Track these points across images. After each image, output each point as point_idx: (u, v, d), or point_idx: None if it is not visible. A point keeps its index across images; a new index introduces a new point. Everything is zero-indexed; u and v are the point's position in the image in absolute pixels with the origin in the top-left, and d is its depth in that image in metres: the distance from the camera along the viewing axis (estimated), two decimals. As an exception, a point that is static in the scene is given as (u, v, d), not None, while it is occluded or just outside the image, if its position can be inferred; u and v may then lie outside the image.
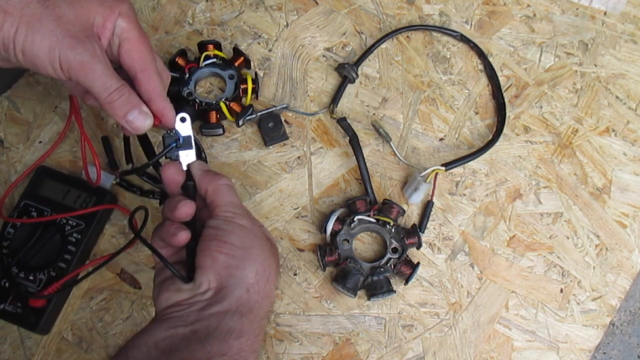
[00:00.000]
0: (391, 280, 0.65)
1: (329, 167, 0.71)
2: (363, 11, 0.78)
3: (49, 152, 0.69)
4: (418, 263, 0.65)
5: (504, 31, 0.77)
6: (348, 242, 0.66)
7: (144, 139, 0.63)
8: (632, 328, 1.40)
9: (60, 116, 0.72)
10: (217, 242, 0.49)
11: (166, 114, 0.52)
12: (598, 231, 0.68)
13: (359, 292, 0.64)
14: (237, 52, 0.73)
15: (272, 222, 0.68)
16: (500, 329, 0.65)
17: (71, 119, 0.67)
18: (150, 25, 0.77)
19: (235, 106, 0.71)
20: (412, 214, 0.69)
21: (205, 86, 0.74)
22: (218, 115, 0.71)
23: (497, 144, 0.70)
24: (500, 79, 0.74)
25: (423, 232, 0.67)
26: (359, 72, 0.74)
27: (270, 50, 0.76)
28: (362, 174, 0.67)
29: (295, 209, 0.69)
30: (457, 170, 0.70)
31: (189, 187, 0.53)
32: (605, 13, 0.78)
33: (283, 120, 0.72)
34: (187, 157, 0.53)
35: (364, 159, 0.67)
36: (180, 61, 0.72)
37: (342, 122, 0.69)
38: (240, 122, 0.70)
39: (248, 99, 0.72)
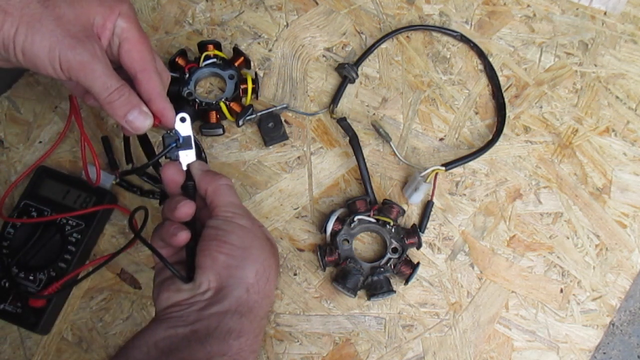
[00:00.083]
0: (391, 280, 0.65)
1: (329, 167, 0.71)
2: (363, 11, 0.78)
3: (49, 152, 0.69)
4: (418, 263, 0.65)
5: (504, 31, 0.77)
6: (348, 242, 0.66)
7: (144, 139, 0.63)
8: (632, 328, 1.40)
9: (60, 116, 0.72)
10: (217, 242, 0.49)
11: (166, 114, 0.52)
12: (598, 231, 0.68)
13: (359, 292, 0.64)
14: (237, 52, 0.73)
15: (272, 222, 0.68)
16: (500, 329, 0.65)
17: (71, 119, 0.67)
18: (150, 25, 0.77)
19: (235, 106, 0.71)
20: (412, 214, 0.69)
21: (205, 86, 0.74)
22: (218, 115, 0.71)
23: (497, 144, 0.70)
24: (500, 79, 0.74)
25: (423, 232, 0.67)
26: (359, 72, 0.74)
27: (270, 50, 0.76)
28: (362, 174, 0.67)
29: (295, 209, 0.69)
30: (457, 170, 0.70)
31: (189, 187, 0.53)
32: (605, 13, 0.78)
33: (283, 120, 0.72)
34: (187, 157, 0.53)
35: (364, 159, 0.67)
36: (180, 61, 0.72)
37: (342, 122, 0.69)
38: (240, 122, 0.70)
39: (248, 99, 0.72)
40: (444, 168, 0.67)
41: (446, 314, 0.65)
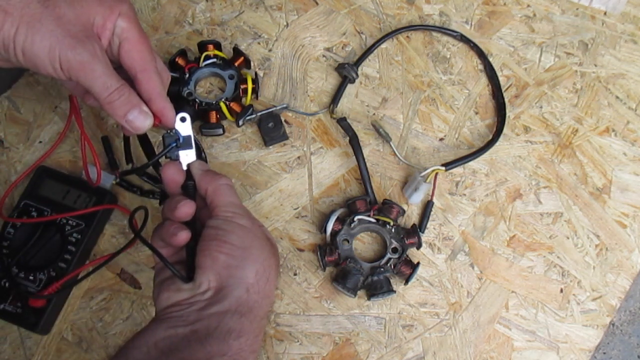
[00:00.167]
0: (391, 280, 0.65)
1: (329, 167, 0.71)
2: (363, 11, 0.78)
3: (49, 152, 0.69)
4: (418, 263, 0.65)
5: (504, 31, 0.77)
6: (348, 242, 0.66)
7: (144, 139, 0.63)
8: (632, 328, 1.40)
9: (60, 116, 0.72)
10: (217, 242, 0.49)
11: (166, 114, 0.52)
12: (598, 231, 0.68)
13: (359, 292, 0.64)
14: (237, 52, 0.73)
15: (272, 222, 0.68)
16: (500, 329, 0.65)
17: (71, 119, 0.67)
18: (150, 25, 0.77)
19: (235, 106, 0.71)
20: (412, 214, 0.69)
21: (205, 86, 0.74)
22: (218, 115, 0.71)
23: (497, 144, 0.70)
24: (500, 79, 0.74)
25: (423, 232, 0.67)
26: (359, 72, 0.74)
27: (270, 50, 0.76)
28: (362, 174, 0.67)
29: (295, 209, 0.69)
30: (457, 170, 0.70)
31: (189, 187, 0.53)
32: (605, 13, 0.78)
33: (283, 120, 0.72)
34: (187, 156, 0.53)
35: (364, 159, 0.67)
36: (180, 61, 0.72)
37: (342, 122, 0.69)
38: (240, 122, 0.70)
39: (248, 99, 0.72)
40: (444, 168, 0.67)
41: (446, 314, 0.65)
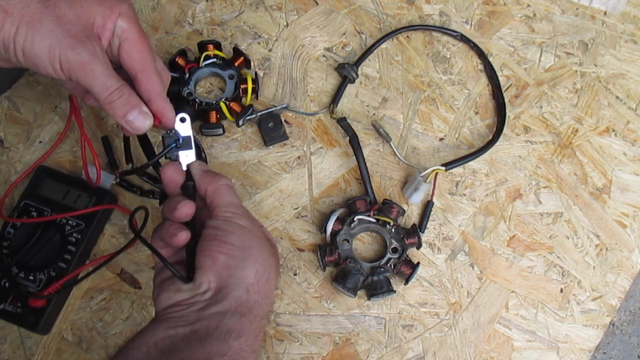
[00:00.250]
0: (391, 280, 0.65)
1: (329, 167, 0.71)
2: (363, 11, 0.78)
3: (49, 152, 0.69)
4: (418, 263, 0.65)
5: (504, 31, 0.77)
6: (348, 242, 0.66)
7: (143, 139, 0.63)
8: (632, 328, 1.40)
9: (60, 116, 0.72)
10: (217, 242, 0.49)
11: (166, 114, 0.52)
12: (598, 231, 0.68)
13: (359, 292, 0.64)
14: (237, 52, 0.73)
15: (272, 222, 0.68)
16: (500, 329, 0.65)
17: (71, 119, 0.67)
18: (150, 25, 0.77)
19: (235, 106, 0.71)
20: (412, 214, 0.69)
21: (205, 86, 0.74)
22: (218, 115, 0.71)
23: (497, 144, 0.70)
24: (500, 79, 0.74)
25: (423, 232, 0.67)
26: (359, 72, 0.74)
27: (270, 50, 0.76)
28: (362, 174, 0.67)
29: (295, 209, 0.69)
30: (457, 170, 0.70)
31: (189, 187, 0.53)
32: (605, 13, 0.78)
33: (283, 120, 0.72)
34: (186, 157, 0.53)
35: (364, 159, 0.67)
36: (180, 61, 0.72)
37: (342, 122, 0.69)
38: (240, 122, 0.70)
39: (248, 99, 0.72)
40: (444, 168, 0.67)
41: (446, 314, 0.65)
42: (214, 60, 0.72)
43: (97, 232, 0.66)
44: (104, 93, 0.48)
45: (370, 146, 0.72)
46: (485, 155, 0.70)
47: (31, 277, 0.62)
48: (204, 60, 0.72)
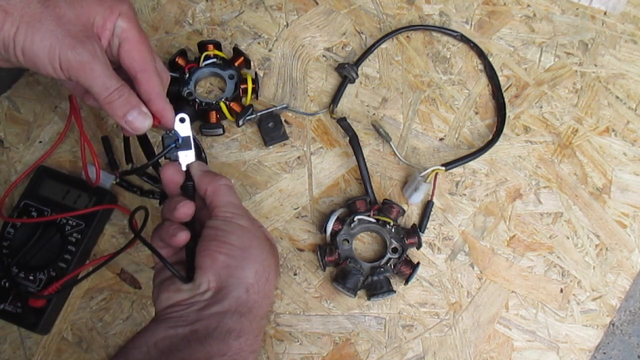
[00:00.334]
0: (391, 280, 0.65)
1: (329, 167, 0.71)
2: (363, 11, 0.78)
3: (49, 152, 0.69)
4: (418, 263, 0.65)
5: (504, 31, 0.77)
6: (348, 242, 0.66)
7: (143, 139, 0.63)
8: (632, 328, 1.40)
9: (60, 116, 0.72)
10: (217, 243, 0.49)
11: (165, 115, 0.52)
12: (598, 231, 0.68)
13: (359, 292, 0.64)
14: (237, 52, 0.73)
15: (272, 222, 0.68)
16: (500, 329, 0.65)
17: (71, 119, 0.67)
18: (150, 25, 0.77)
19: (235, 106, 0.71)
20: (412, 214, 0.69)
21: (205, 86, 0.74)
22: (218, 115, 0.71)
23: (497, 144, 0.70)
24: (500, 79, 0.74)
25: (423, 232, 0.67)
26: (359, 72, 0.74)
27: (270, 50, 0.76)
28: (362, 174, 0.67)
29: (295, 209, 0.69)
30: (457, 170, 0.70)
31: (189, 188, 0.53)
32: (605, 13, 0.78)
33: (283, 120, 0.72)
34: (186, 157, 0.53)
35: (364, 159, 0.67)
36: (180, 61, 0.72)
37: (342, 122, 0.69)
38: (240, 122, 0.70)
39: (248, 99, 0.72)
40: (444, 168, 0.67)
41: (446, 314, 0.65)
42: (214, 60, 0.72)
43: (97, 232, 0.66)
44: (103, 93, 0.48)
45: (370, 146, 0.72)
46: (485, 155, 0.70)
47: (31, 277, 0.62)
48: (204, 60, 0.72)
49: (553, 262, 0.67)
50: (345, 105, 0.73)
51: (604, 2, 0.78)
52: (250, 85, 0.71)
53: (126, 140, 0.67)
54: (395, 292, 0.64)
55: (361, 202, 0.66)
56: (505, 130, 0.71)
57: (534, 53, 0.76)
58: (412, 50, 0.76)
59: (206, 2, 0.78)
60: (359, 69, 0.74)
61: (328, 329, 0.64)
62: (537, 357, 0.64)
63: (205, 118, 0.71)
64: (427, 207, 0.68)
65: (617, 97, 0.74)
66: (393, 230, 0.66)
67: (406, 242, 0.65)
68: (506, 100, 0.73)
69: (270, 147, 0.71)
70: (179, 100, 0.70)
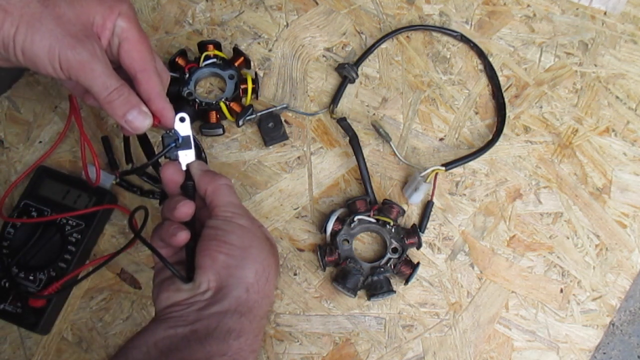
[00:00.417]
0: (391, 280, 0.65)
1: (329, 167, 0.71)
2: (363, 11, 0.78)
3: (49, 152, 0.69)
4: (418, 263, 0.65)
5: (504, 31, 0.77)
6: (348, 242, 0.66)
7: (143, 139, 0.63)
8: (632, 328, 1.40)
9: (60, 116, 0.72)
10: (217, 242, 0.49)
11: (165, 114, 0.52)
12: (598, 231, 0.68)
13: (359, 292, 0.64)
14: (237, 52, 0.73)
15: (272, 222, 0.68)
16: (500, 329, 0.65)
17: (71, 119, 0.67)
18: (150, 25, 0.77)
19: (235, 106, 0.71)
20: (412, 214, 0.69)
21: (205, 86, 0.74)
22: (218, 115, 0.71)
23: (497, 144, 0.70)
24: (500, 79, 0.74)
25: (423, 232, 0.67)
26: (359, 72, 0.74)
27: (270, 50, 0.76)
28: (362, 174, 0.67)
29: (295, 209, 0.69)
30: (457, 170, 0.70)
31: (188, 187, 0.53)
32: (605, 13, 0.78)
33: (283, 120, 0.72)
34: (186, 157, 0.53)
35: (364, 159, 0.67)
36: (180, 61, 0.72)
37: (342, 122, 0.69)
38: (240, 122, 0.70)
39: (248, 99, 0.72)
40: (444, 168, 0.67)
41: (446, 314, 0.65)
42: (214, 60, 0.72)
43: (97, 232, 0.66)
44: (103, 92, 0.48)
45: (370, 146, 0.72)
46: (485, 155, 0.70)
47: (31, 277, 0.62)
48: (204, 60, 0.72)
49: (553, 262, 0.67)
50: (345, 105, 0.73)
51: (604, 2, 0.78)
52: (250, 85, 0.71)
53: (126, 140, 0.67)
54: (395, 292, 0.64)
55: (361, 202, 0.66)
56: (505, 130, 0.71)
57: (534, 53, 0.76)
58: (412, 50, 0.76)
59: (206, 2, 0.78)
60: (359, 69, 0.74)
61: (328, 329, 0.64)
62: (537, 357, 0.64)
63: (205, 118, 0.71)
64: (427, 207, 0.68)
65: (617, 97, 0.74)
66: (393, 230, 0.66)
67: (406, 242, 0.65)
68: (506, 100, 0.73)
69: (270, 147, 0.71)
70: (179, 100, 0.70)
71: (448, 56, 0.76)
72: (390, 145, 0.70)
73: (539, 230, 0.68)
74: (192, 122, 0.53)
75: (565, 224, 0.69)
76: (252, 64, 0.74)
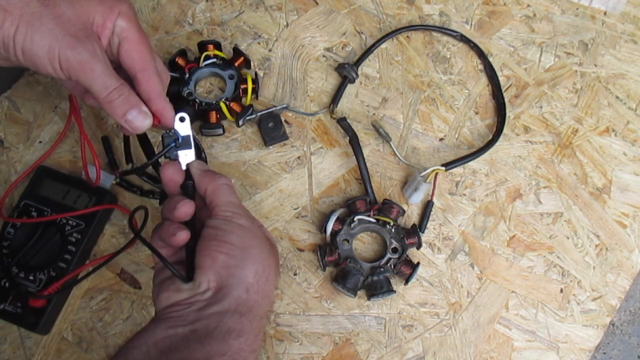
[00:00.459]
0: (391, 280, 0.65)
1: (329, 167, 0.71)
2: (363, 11, 0.78)
3: (49, 152, 0.69)
4: (418, 263, 0.65)
5: (504, 31, 0.77)
6: (348, 242, 0.66)
7: (143, 138, 0.63)
8: (632, 328, 1.40)
9: (60, 116, 0.72)
10: (217, 242, 0.49)
11: (165, 114, 0.52)
12: (598, 231, 0.68)
13: (359, 292, 0.64)
14: (237, 52, 0.73)
15: (272, 222, 0.68)
16: (500, 329, 0.65)
17: (71, 119, 0.67)
18: (150, 25, 0.77)
19: (235, 106, 0.71)
20: (412, 214, 0.69)
21: (205, 86, 0.74)
22: (218, 115, 0.71)
23: (497, 144, 0.70)
24: (500, 79, 0.74)
25: (423, 232, 0.67)
26: (359, 72, 0.74)
27: (270, 50, 0.76)
28: (362, 174, 0.67)
29: (295, 209, 0.69)
30: (457, 170, 0.70)
31: (188, 187, 0.53)
32: (605, 13, 0.78)
33: (283, 120, 0.72)
34: (186, 156, 0.53)
35: (364, 159, 0.67)
36: (180, 61, 0.72)
37: (342, 122, 0.69)
38: (240, 122, 0.70)
39: (248, 99, 0.72)
40: (444, 168, 0.67)
41: (446, 314, 0.65)
42: (214, 60, 0.72)
43: (97, 232, 0.66)
44: (103, 92, 0.48)
45: (370, 146, 0.72)
46: (485, 155, 0.70)
47: (31, 277, 0.62)
48: (204, 60, 0.72)
49: (553, 262, 0.67)
50: (345, 105, 0.73)
51: (604, 2, 0.78)
52: (250, 85, 0.71)
53: (126, 140, 0.67)
54: (395, 292, 0.64)
55: (361, 202, 0.66)
56: (505, 130, 0.71)
57: (534, 53, 0.76)
58: (412, 50, 0.76)
59: (206, 2, 0.78)
60: (359, 69, 0.74)
61: (328, 329, 0.64)
62: (537, 357, 0.64)
63: (205, 118, 0.71)
64: (427, 207, 0.68)
65: (617, 97, 0.74)
66: (393, 230, 0.66)
67: (406, 242, 0.65)
68: (506, 100, 0.73)
69: (270, 147, 0.71)
70: (179, 100, 0.70)
71: (448, 56, 0.76)
72: (390, 145, 0.70)
73: (539, 230, 0.68)
74: (192, 122, 0.53)
75: (565, 224, 0.69)
76: (252, 64, 0.74)
